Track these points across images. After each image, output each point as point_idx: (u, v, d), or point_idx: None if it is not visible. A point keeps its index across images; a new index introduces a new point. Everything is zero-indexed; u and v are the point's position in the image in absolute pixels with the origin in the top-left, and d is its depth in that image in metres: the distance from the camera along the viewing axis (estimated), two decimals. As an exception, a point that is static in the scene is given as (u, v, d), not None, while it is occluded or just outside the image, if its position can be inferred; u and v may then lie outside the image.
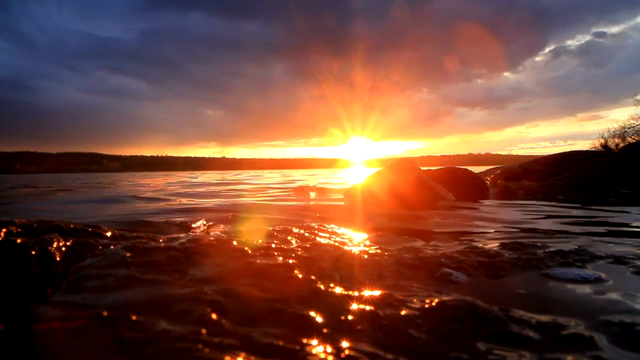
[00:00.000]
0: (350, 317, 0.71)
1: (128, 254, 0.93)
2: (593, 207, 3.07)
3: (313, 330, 0.65)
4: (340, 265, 1.07)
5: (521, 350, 0.63)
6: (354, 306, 0.76)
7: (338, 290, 0.84)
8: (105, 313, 0.64)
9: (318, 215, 2.78)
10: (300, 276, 0.88)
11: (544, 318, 0.76)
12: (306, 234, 1.55)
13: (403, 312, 0.75)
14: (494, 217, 2.58)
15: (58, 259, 0.91)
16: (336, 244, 1.36)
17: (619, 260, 1.22)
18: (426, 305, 0.78)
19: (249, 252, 1.03)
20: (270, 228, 1.60)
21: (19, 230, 1.02)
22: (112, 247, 1.02)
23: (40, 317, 0.64)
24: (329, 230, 1.76)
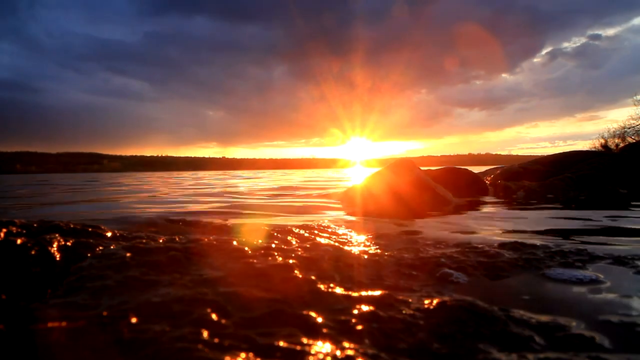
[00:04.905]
0: (350, 318, 0.71)
1: (128, 254, 0.93)
2: (591, 208, 3.07)
3: (313, 330, 0.65)
4: (340, 266, 1.07)
5: (521, 351, 0.63)
6: (354, 306, 0.76)
7: (338, 290, 0.84)
8: (105, 313, 0.64)
9: (318, 215, 2.78)
10: (300, 276, 0.88)
11: (544, 318, 0.76)
12: (306, 234, 1.55)
13: (403, 313, 0.75)
14: (494, 217, 2.58)
15: (58, 259, 0.91)
16: (336, 244, 1.36)
17: (619, 260, 1.22)
18: (426, 306, 0.78)
19: (249, 252, 1.03)
20: (271, 228, 1.60)
21: (19, 230, 1.02)
22: (112, 247, 1.02)
23: (40, 317, 0.64)
24: (329, 230, 1.76)
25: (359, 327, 0.68)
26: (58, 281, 0.81)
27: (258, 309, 0.71)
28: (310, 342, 0.61)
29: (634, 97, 13.63)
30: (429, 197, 3.66)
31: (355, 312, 0.74)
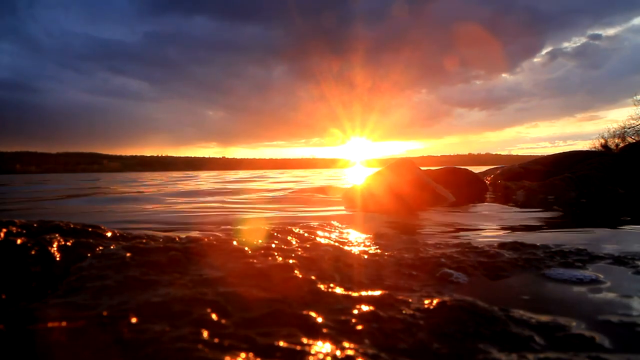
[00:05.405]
0: (350, 318, 0.71)
1: (128, 254, 0.93)
2: (589, 208, 3.07)
3: (313, 330, 0.65)
4: (340, 266, 1.07)
5: (521, 351, 0.63)
6: (354, 306, 0.76)
7: (338, 290, 0.84)
8: (105, 313, 0.64)
9: (318, 216, 2.78)
10: (300, 276, 0.88)
11: (544, 318, 0.76)
12: (306, 234, 1.55)
13: (403, 313, 0.75)
14: (494, 217, 2.58)
15: (58, 259, 0.91)
16: (336, 244, 1.36)
17: (619, 260, 1.22)
18: (426, 306, 0.78)
19: (249, 252, 1.03)
20: (271, 228, 1.60)
21: (19, 230, 1.02)
22: (112, 247, 1.02)
23: (40, 317, 0.64)
24: (329, 230, 1.76)
25: (359, 327, 0.68)
26: (58, 281, 0.81)
27: (258, 309, 0.71)
28: (310, 342, 0.61)
29: (634, 97, 13.66)
30: (429, 197, 3.66)
31: (355, 312, 0.74)
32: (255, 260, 0.96)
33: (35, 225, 1.08)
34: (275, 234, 1.50)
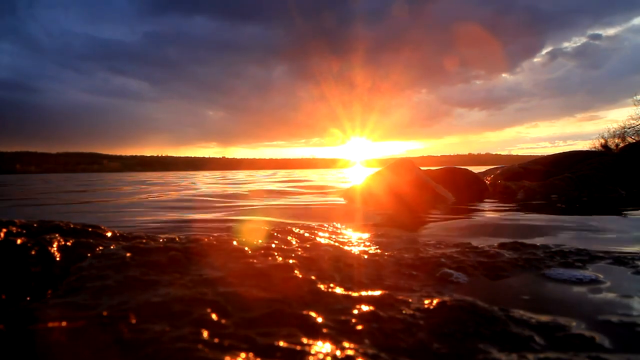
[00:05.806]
0: (350, 318, 0.71)
1: (128, 254, 0.93)
2: (590, 208, 3.07)
3: (313, 330, 0.65)
4: (340, 266, 1.07)
5: (521, 351, 0.63)
6: (354, 306, 0.76)
7: (338, 290, 0.84)
8: (105, 313, 0.64)
9: (318, 216, 2.78)
10: (300, 276, 0.88)
11: (544, 318, 0.76)
12: (306, 234, 1.55)
13: (403, 313, 0.75)
14: (494, 217, 2.58)
15: (58, 259, 0.91)
16: (336, 244, 1.36)
17: (619, 260, 1.22)
18: (426, 306, 0.78)
19: (249, 252, 1.03)
20: (271, 228, 1.60)
21: (19, 230, 1.02)
22: (112, 247, 1.02)
23: (40, 317, 0.64)
24: (329, 230, 1.76)
25: (359, 327, 0.68)
26: (58, 281, 0.81)
27: (258, 309, 0.71)
28: (310, 342, 0.61)
29: (634, 97, 13.69)
30: (428, 197, 3.66)
31: (355, 312, 0.74)
32: (255, 260, 0.96)
33: (35, 225, 1.08)
34: (275, 234, 1.50)
